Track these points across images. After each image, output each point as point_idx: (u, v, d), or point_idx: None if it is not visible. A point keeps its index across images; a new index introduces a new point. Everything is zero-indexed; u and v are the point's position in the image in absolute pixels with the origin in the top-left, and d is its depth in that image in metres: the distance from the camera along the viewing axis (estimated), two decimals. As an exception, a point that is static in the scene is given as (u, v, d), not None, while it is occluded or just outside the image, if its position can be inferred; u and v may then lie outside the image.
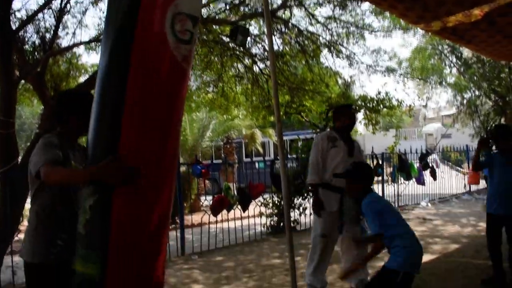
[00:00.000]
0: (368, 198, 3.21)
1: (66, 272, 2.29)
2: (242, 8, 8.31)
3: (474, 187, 12.93)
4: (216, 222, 7.38)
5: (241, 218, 7.72)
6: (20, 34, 5.86)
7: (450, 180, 12.69)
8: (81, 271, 2.26)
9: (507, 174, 4.44)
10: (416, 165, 10.73)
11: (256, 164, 10.16)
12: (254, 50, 9.18)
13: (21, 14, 6.53)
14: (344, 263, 4.24)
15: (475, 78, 14.27)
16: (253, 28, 9.22)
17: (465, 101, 15.18)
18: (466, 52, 14.56)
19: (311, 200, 3.81)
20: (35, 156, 2.32)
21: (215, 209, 6.88)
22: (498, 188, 4.46)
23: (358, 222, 4.01)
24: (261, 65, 9.26)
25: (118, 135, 2.26)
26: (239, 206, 7.21)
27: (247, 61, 9.37)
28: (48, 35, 6.26)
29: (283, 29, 8.84)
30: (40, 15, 6.19)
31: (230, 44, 8.31)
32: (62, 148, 2.40)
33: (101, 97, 2.33)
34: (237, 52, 8.90)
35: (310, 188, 3.86)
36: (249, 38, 8.00)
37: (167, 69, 2.41)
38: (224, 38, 8.43)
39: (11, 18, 5.40)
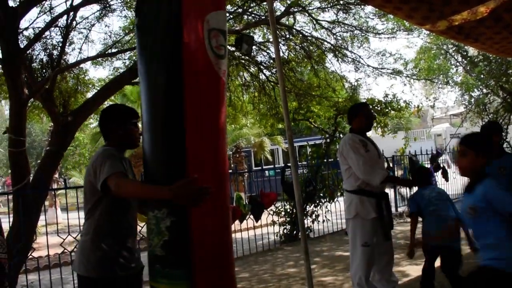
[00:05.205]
0: None
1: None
2: (246, 17, 8.33)
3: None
4: (229, 232, 7.35)
5: (254, 227, 7.67)
6: (28, 52, 5.90)
7: (463, 181, 12.54)
8: None
9: None
10: (427, 166, 10.62)
11: (266, 172, 10.11)
12: (259, 58, 9.21)
13: (29, 33, 6.56)
14: (373, 272, 3.92)
15: (482, 76, 14.14)
16: (258, 36, 9.23)
17: (473, 100, 15.02)
18: (472, 50, 14.45)
19: (397, 187, 3.66)
20: (100, 166, 2.26)
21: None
22: None
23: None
24: (267, 73, 9.26)
25: (184, 153, 2.36)
26: (251, 216, 7.15)
27: (253, 69, 9.38)
28: (55, 52, 6.29)
29: (287, 36, 8.84)
30: (47, 32, 6.24)
31: (236, 53, 8.32)
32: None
33: (158, 119, 2.42)
34: (243, 61, 8.91)
35: (386, 183, 3.67)
36: (254, 46, 8.00)
37: (214, 85, 2.51)
38: (229, 47, 8.44)
39: (18, 37, 5.45)
